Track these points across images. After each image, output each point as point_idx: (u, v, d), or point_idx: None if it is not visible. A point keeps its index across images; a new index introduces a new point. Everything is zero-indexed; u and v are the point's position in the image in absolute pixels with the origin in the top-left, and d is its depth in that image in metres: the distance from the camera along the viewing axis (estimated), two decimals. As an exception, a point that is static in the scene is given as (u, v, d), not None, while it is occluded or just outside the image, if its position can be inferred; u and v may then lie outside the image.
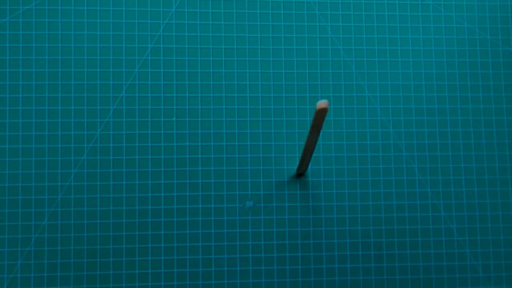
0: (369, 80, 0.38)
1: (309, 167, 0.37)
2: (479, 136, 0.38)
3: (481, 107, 0.39)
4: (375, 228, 0.37)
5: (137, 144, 0.36)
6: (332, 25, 0.38)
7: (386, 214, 0.37)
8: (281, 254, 0.36)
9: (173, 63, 0.37)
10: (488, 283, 0.37)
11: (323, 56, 0.38)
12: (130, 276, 0.35)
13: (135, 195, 0.36)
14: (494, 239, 0.38)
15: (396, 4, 0.39)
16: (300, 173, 0.37)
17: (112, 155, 0.36)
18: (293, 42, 0.38)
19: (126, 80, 0.37)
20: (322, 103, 0.27)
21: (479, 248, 0.37)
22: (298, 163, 0.35)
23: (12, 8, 0.36)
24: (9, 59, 0.36)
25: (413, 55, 0.39)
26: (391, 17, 0.39)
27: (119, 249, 0.35)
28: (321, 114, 0.28)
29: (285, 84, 0.38)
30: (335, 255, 0.37)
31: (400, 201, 0.37)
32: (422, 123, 0.38)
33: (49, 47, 0.36)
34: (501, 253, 0.37)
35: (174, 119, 0.37)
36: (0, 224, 0.35)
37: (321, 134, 0.37)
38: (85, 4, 0.37)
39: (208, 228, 0.36)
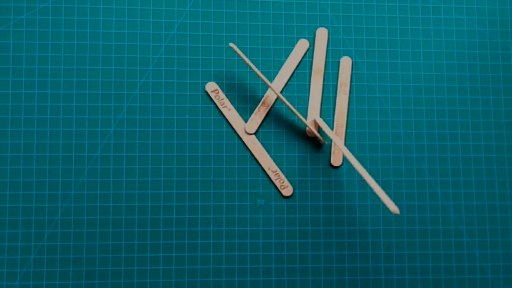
0: (380, 81, 0.38)
1: (320, 165, 0.37)
2: (489, 138, 0.39)
3: (491, 109, 0.39)
4: (385, 228, 0.37)
5: (150, 142, 0.37)
6: (344, 27, 0.39)
7: (396, 214, 0.37)
8: (291, 252, 0.36)
9: (186, 62, 0.37)
10: (497, 284, 0.37)
11: (335, 57, 0.38)
12: (141, 272, 0.36)
13: (148, 192, 0.36)
14: (504, 240, 0.38)
15: (408, 6, 0.39)
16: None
17: (125, 151, 0.36)
18: (305, 42, 0.38)
19: (140, 78, 0.37)
20: None
21: (489, 249, 0.38)
22: None
23: (29, 5, 0.37)
24: (25, 56, 0.37)
25: (424, 57, 0.39)
26: (403, 19, 0.39)
27: (131, 245, 0.36)
28: None
29: (297, 84, 0.38)
30: (345, 255, 0.37)
31: (410, 202, 0.38)
32: (433, 125, 0.38)
33: (65, 45, 0.37)
34: (510, 255, 0.38)
35: (187, 117, 0.37)
36: (14, 219, 0.35)
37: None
38: (101, 2, 0.37)
39: (219, 226, 0.36)
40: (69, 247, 0.35)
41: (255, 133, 0.37)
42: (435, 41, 0.39)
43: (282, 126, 0.38)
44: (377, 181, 0.38)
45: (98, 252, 0.35)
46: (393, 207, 0.28)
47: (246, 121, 0.37)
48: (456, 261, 0.37)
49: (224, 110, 0.37)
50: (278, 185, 0.37)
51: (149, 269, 0.36)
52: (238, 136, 0.37)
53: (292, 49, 0.38)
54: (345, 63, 0.38)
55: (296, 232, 0.37)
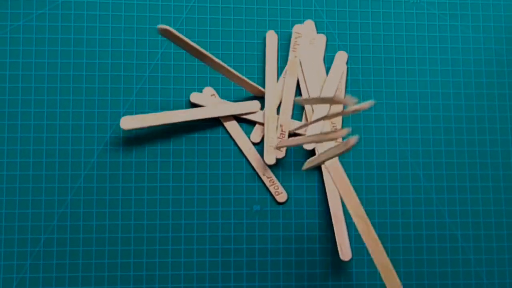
0: (375, 87, 0.39)
1: (316, 170, 0.38)
2: (484, 144, 0.39)
3: (486, 115, 0.39)
4: (380, 233, 0.37)
5: (146, 147, 0.37)
6: (340, 33, 0.39)
7: (392, 219, 0.38)
8: (287, 258, 0.37)
9: (183, 68, 0.38)
10: (492, 289, 0.37)
11: (330, 63, 0.39)
12: (137, 277, 0.36)
13: (144, 197, 0.36)
14: (498, 245, 0.38)
15: (402, 13, 0.40)
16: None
17: (121, 157, 0.36)
18: (301, 49, 0.39)
19: (136, 83, 0.37)
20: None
21: (483, 254, 0.38)
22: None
23: (26, 12, 0.37)
24: (22, 62, 0.37)
25: (419, 63, 0.39)
26: (398, 26, 0.39)
27: (127, 250, 0.36)
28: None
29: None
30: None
31: (405, 207, 0.38)
32: (428, 130, 0.39)
33: (61, 51, 0.37)
34: (505, 260, 0.38)
35: (183, 122, 0.37)
36: (10, 224, 0.35)
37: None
38: (98, 9, 0.38)
39: (215, 231, 0.36)
40: (65, 253, 0.36)
41: (259, 143, 0.37)
42: (429, 47, 0.39)
43: (278, 132, 0.38)
44: (372, 187, 0.38)
45: (94, 258, 0.36)
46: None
47: (241, 126, 0.38)
48: (451, 266, 0.37)
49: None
50: (272, 191, 0.37)
51: (145, 274, 0.36)
52: (234, 141, 0.37)
53: (288, 55, 0.38)
54: (340, 67, 0.38)
55: (292, 238, 0.37)
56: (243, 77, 0.35)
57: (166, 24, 0.38)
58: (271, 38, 0.38)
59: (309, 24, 0.38)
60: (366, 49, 0.39)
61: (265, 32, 0.38)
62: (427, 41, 0.39)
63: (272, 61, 0.37)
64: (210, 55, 0.32)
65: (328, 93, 0.38)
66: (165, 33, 0.29)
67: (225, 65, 0.33)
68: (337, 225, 0.36)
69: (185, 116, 0.36)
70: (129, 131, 0.37)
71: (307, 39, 0.38)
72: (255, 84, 0.36)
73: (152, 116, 0.35)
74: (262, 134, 0.37)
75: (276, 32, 0.39)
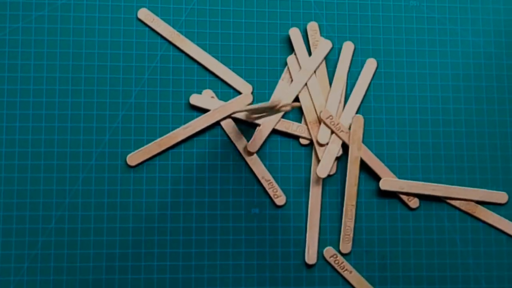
0: (374, 91, 0.39)
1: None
2: (483, 148, 0.39)
3: (485, 119, 0.39)
4: (380, 237, 0.37)
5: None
6: (339, 36, 0.39)
7: (390, 223, 0.37)
8: (286, 262, 0.36)
9: (182, 70, 0.38)
10: (491, 294, 0.37)
11: (330, 67, 0.39)
12: (135, 281, 0.35)
13: (142, 200, 0.36)
14: (497, 250, 0.38)
15: (402, 17, 0.40)
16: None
17: (120, 160, 0.36)
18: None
19: (135, 86, 0.37)
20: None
21: (483, 259, 0.38)
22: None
23: (24, 14, 0.37)
24: (20, 64, 0.37)
25: (419, 67, 0.39)
26: (397, 29, 0.39)
27: (125, 253, 0.36)
28: None
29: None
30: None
31: (404, 211, 0.38)
32: (427, 134, 0.39)
33: (60, 53, 0.37)
34: (504, 264, 0.38)
35: (182, 125, 0.37)
36: (8, 227, 0.35)
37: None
38: (97, 11, 0.38)
39: (214, 235, 0.36)
40: (63, 256, 0.35)
41: (257, 152, 0.37)
42: (429, 51, 0.39)
43: (277, 135, 0.38)
44: (373, 191, 0.38)
45: (92, 261, 0.35)
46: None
47: (241, 130, 0.37)
48: (450, 270, 0.37)
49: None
50: (271, 194, 0.37)
51: (143, 277, 0.36)
52: (234, 144, 0.37)
53: (286, 58, 0.38)
54: (342, 72, 0.38)
55: (290, 241, 0.37)
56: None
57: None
58: (323, 46, 0.38)
59: (314, 27, 0.38)
60: (366, 52, 0.39)
61: (265, 34, 0.38)
62: (427, 44, 0.39)
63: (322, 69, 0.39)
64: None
65: (357, 97, 0.38)
66: None
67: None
68: (310, 230, 0.36)
69: (186, 133, 0.36)
70: (128, 132, 0.37)
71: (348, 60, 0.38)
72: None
73: (155, 145, 0.36)
74: (260, 143, 0.37)
75: (275, 35, 0.39)
